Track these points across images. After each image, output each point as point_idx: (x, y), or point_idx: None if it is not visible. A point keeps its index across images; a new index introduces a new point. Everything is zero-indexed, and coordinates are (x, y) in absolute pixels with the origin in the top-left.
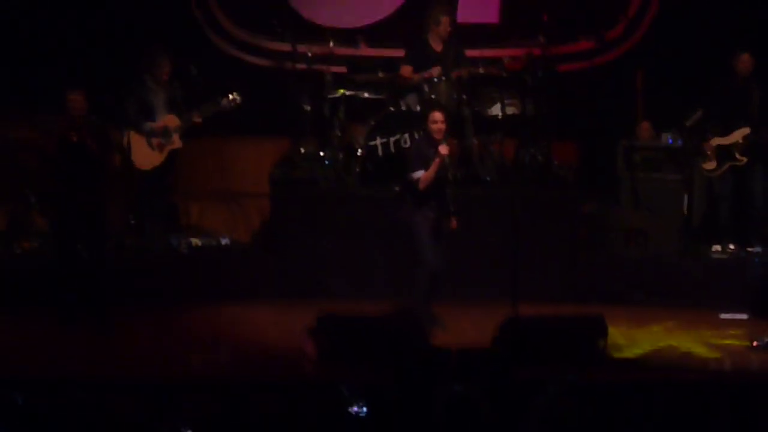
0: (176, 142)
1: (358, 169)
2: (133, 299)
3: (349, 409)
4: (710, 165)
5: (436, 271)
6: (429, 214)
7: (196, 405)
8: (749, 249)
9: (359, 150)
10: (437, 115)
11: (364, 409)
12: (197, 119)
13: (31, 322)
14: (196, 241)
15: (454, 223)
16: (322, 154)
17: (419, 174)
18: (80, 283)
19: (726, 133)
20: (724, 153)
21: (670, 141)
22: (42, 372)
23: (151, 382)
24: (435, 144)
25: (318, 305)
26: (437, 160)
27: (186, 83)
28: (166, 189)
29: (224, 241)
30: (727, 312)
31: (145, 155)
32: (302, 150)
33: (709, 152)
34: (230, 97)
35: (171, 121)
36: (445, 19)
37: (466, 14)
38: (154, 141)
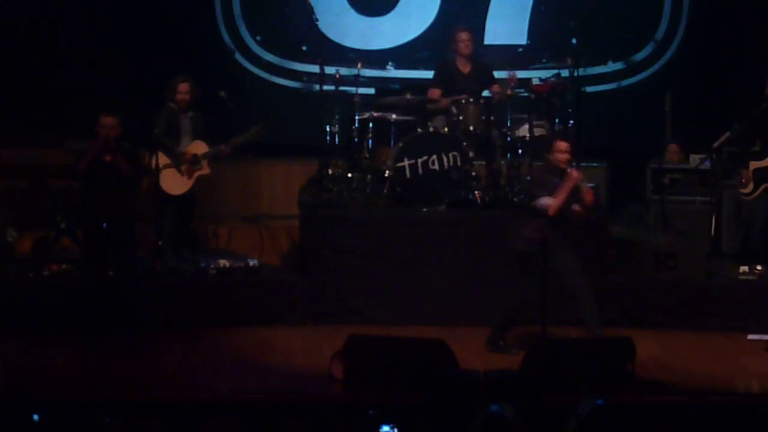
0: (205, 168)
1: (386, 191)
2: (162, 322)
3: None
4: (747, 189)
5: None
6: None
7: (224, 427)
8: None
9: (387, 172)
10: (563, 145)
11: (395, 431)
12: (225, 149)
13: (60, 345)
14: (224, 263)
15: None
16: (350, 176)
17: (546, 201)
18: (109, 305)
19: (762, 156)
20: (760, 176)
21: (707, 163)
22: (70, 395)
23: (178, 405)
24: (559, 172)
25: (346, 328)
26: (567, 184)
27: (216, 107)
28: (194, 212)
29: (253, 264)
30: (755, 333)
31: (173, 180)
32: (330, 172)
33: (744, 179)
34: (258, 126)
35: (199, 147)
36: (463, 35)
37: (494, 35)
38: (183, 167)
